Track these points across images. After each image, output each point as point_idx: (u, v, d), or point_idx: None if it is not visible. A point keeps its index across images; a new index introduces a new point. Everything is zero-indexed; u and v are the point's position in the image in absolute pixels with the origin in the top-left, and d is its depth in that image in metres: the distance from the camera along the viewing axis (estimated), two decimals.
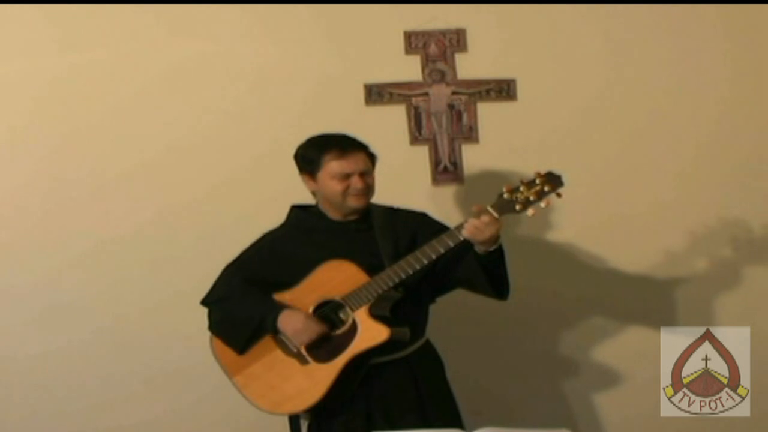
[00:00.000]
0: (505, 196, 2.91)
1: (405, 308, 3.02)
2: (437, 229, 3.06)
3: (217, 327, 3.14)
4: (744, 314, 3.81)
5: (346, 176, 3.04)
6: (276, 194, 3.72)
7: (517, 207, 2.90)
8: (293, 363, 3.03)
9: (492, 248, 2.94)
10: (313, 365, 3.00)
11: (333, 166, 3.05)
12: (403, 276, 2.95)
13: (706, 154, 3.83)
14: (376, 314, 2.97)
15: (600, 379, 3.87)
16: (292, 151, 3.73)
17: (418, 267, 2.94)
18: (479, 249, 2.95)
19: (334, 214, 3.13)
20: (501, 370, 3.79)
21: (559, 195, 2.92)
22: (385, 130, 3.72)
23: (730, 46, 3.81)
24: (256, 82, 3.75)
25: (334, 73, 3.75)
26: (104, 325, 3.76)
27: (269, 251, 3.14)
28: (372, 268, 2.99)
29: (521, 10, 3.76)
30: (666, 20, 3.79)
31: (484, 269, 2.99)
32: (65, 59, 3.69)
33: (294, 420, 3.14)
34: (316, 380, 2.98)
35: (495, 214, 2.89)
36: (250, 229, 3.62)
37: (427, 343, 3.16)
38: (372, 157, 3.11)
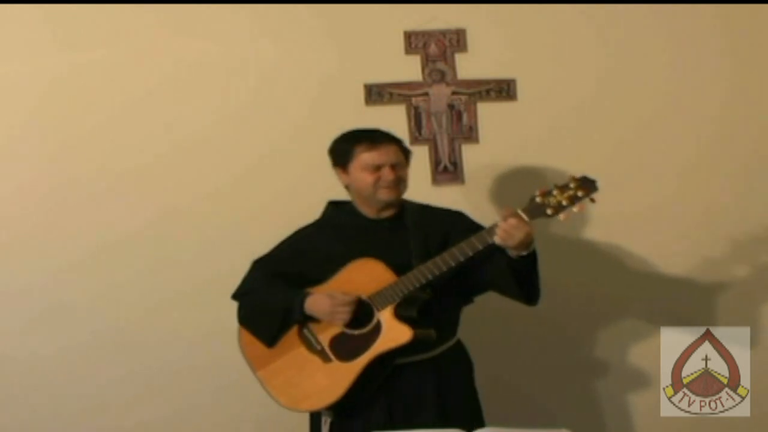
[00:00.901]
0: (538, 199, 2.87)
1: (433, 309, 3.00)
2: (470, 228, 3.03)
3: (247, 319, 3.14)
4: (744, 314, 3.81)
5: (377, 168, 3.02)
6: (276, 194, 3.74)
7: (549, 211, 2.86)
8: (315, 360, 3.03)
9: (525, 253, 2.91)
10: (335, 363, 3.00)
11: (364, 158, 3.04)
12: (430, 277, 2.92)
13: (706, 154, 3.83)
14: (401, 315, 2.95)
15: (600, 378, 3.87)
16: (293, 151, 3.76)
17: (444, 269, 2.92)
18: (511, 253, 2.92)
19: (367, 211, 3.11)
20: (499, 370, 3.79)
21: (592, 200, 2.87)
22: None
23: (729, 46, 3.81)
24: (256, 83, 3.75)
25: (334, 73, 3.75)
26: (105, 326, 3.76)
27: (300, 247, 3.14)
28: (402, 267, 2.97)
29: (521, 10, 3.76)
30: (666, 20, 3.79)
31: (514, 273, 2.96)
32: (66, 59, 3.69)
33: (315, 417, 3.14)
34: (336, 379, 2.98)
35: (525, 218, 2.85)
36: (251, 229, 3.64)
37: (458, 344, 3.14)
38: (405, 152, 3.10)
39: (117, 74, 3.72)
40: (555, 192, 2.87)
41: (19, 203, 3.71)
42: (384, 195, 3.05)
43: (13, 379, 3.76)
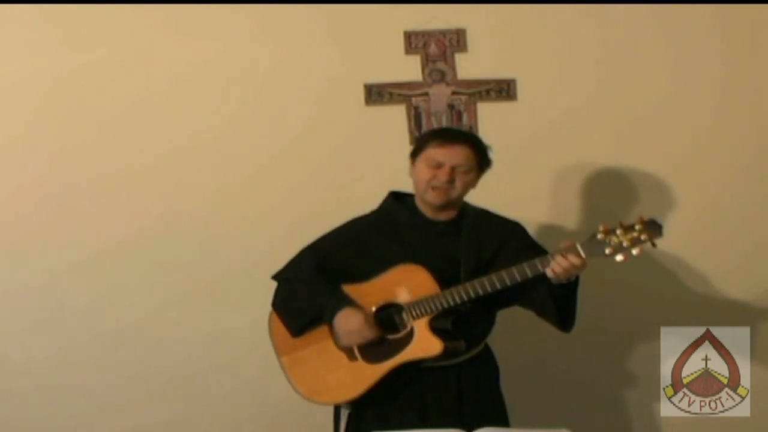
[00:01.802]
0: (599, 236, 2.80)
1: (467, 322, 2.98)
2: (525, 245, 3.00)
3: (280, 306, 3.12)
4: (744, 314, 3.80)
5: (438, 165, 2.98)
6: (277, 195, 3.74)
7: (608, 251, 2.80)
8: (341, 356, 3.01)
9: (570, 281, 2.88)
10: (360, 363, 2.99)
11: (430, 152, 3.00)
12: (473, 295, 2.89)
13: (705, 153, 3.84)
14: (435, 327, 2.93)
15: (599, 378, 3.87)
16: (293, 151, 3.76)
17: (490, 290, 2.88)
18: (555, 280, 2.88)
19: (425, 210, 3.06)
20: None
21: (654, 245, 2.80)
22: (385, 130, 3.73)
23: (728, 46, 3.81)
24: (256, 83, 3.75)
25: (334, 73, 3.75)
26: (106, 327, 3.76)
27: (351, 238, 3.09)
28: (448, 276, 2.94)
29: (521, 10, 3.76)
30: (665, 20, 3.79)
31: (554, 299, 2.93)
32: (66, 60, 3.69)
33: (336, 409, 3.14)
34: (358, 378, 2.97)
35: (583, 254, 2.79)
36: (252, 231, 3.65)
37: (485, 349, 3.12)
38: (480, 158, 3.02)
39: (118, 75, 3.72)
40: (619, 231, 2.81)
41: (20, 204, 3.71)
42: (431, 196, 3.01)
43: (13, 380, 3.76)
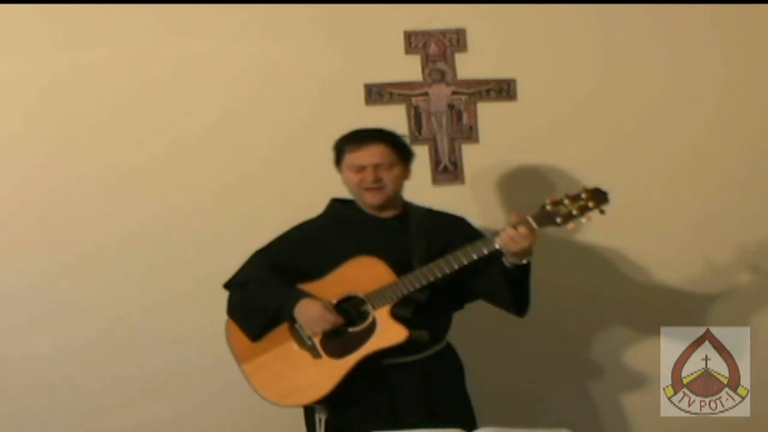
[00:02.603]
0: (548, 207, 2.88)
1: (427, 312, 2.99)
2: (473, 235, 3.03)
3: (235, 311, 3.13)
4: (744, 314, 3.80)
5: (360, 168, 3.02)
6: (277, 194, 3.74)
7: (559, 220, 2.88)
8: (305, 356, 3.02)
9: (522, 262, 2.92)
10: (325, 360, 2.99)
11: (349, 158, 3.05)
12: (432, 279, 2.93)
13: (705, 153, 3.84)
14: (397, 315, 2.95)
15: (600, 378, 3.87)
16: (293, 151, 3.76)
17: (447, 271, 2.92)
18: (508, 261, 2.93)
19: (369, 210, 3.10)
20: (499, 369, 3.79)
21: (602, 212, 2.88)
22: None
23: (727, 47, 3.81)
24: (256, 83, 3.75)
25: (334, 73, 3.75)
26: (105, 326, 3.76)
27: (301, 240, 3.13)
28: (401, 267, 2.97)
29: (521, 10, 3.76)
30: (665, 20, 3.79)
31: (509, 283, 2.97)
32: (65, 59, 3.69)
33: (310, 416, 3.13)
34: (325, 375, 2.97)
35: (534, 225, 2.86)
36: (251, 229, 3.63)
37: (447, 347, 3.14)
38: (400, 151, 3.06)
39: (117, 74, 3.72)
40: (566, 201, 2.88)
41: (19, 203, 3.71)
42: (368, 197, 3.05)
43: (12, 378, 3.76)
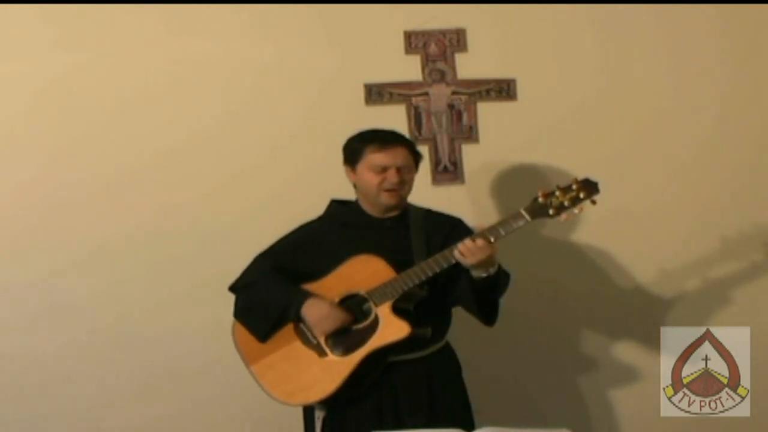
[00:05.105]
0: (540, 200, 2.92)
1: (428, 308, 3.02)
2: (467, 236, 3.04)
3: (242, 313, 3.15)
4: (744, 314, 3.80)
5: (383, 169, 3.04)
6: (276, 193, 3.74)
7: (551, 212, 2.91)
8: (311, 355, 3.03)
9: (485, 274, 2.93)
10: (331, 358, 3.01)
11: (372, 158, 3.05)
12: (430, 274, 2.95)
13: (706, 154, 3.84)
14: (399, 308, 2.97)
15: (600, 379, 3.87)
16: (293, 151, 3.76)
17: (445, 266, 2.94)
18: (473, 272, 2.95)
19: (371, 210, 3.13)
20: (499, 370, 3.79)
21: (593, 202, 2.92)
22: None
23: (728, 46, 3.81)
24: (256, 83, 3.75)
25: (334, 73, 3.75)
26: (105, 324, 3.76)
27: (302, 242, 3.15)
28: (402, 265, 2.99)
29: (521, 10, 3.77)
30: (665, 20, 3.79)
31: (475, 294, 2.99)
32: (65, 59, 3.69)
33: (308, 412, 3.15)
34: (331, 373, 2.99)
35: (491, 239, 2.88)
36: (250, 229, 3.64)
37: (447, 345, 3.16)
38: (415, 156, 3.11)
39: (117, 74, 3.72)
40: (557, 193, 2.92)
41: (18, 202, 3.70)
42: (386, 198, 3.07)
43: (13, 377, 3.75)
